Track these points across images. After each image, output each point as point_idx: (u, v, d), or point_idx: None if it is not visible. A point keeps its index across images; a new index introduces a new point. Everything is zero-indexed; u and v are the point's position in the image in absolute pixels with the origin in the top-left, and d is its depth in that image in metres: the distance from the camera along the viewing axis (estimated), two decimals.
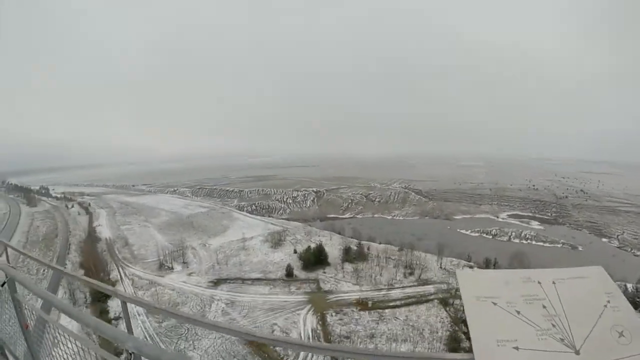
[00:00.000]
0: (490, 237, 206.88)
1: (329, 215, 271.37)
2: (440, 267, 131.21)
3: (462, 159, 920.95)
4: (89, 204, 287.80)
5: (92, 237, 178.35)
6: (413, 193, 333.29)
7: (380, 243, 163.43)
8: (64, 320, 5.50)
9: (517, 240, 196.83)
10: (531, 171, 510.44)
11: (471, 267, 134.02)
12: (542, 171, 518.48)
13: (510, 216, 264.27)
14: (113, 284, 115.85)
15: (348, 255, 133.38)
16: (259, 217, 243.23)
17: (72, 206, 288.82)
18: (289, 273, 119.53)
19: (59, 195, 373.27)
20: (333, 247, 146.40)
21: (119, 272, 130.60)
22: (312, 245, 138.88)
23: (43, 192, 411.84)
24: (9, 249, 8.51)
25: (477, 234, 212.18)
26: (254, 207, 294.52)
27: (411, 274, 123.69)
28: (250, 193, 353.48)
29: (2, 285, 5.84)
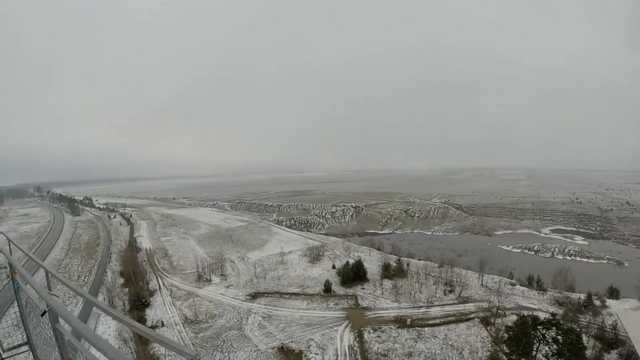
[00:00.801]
0: (533, 253, 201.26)
1: (367, 231, 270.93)
2: (482, 285, 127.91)
3: (504, 172, 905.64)
4: (131, 215, 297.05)
5: (132, 246, 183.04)
6: (453, 208, 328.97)
7: (419, 259, 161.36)
8: None
9: (560, 257, 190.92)
10: (575, 183, 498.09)
11: (513, 284, 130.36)
12: (587, 183, 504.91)
13: (553, 231, 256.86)
14: (151, 293, 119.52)
15: (387, 272, 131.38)
16: (297, 231, 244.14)
17: (114, 217, 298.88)
18: (327, 288, 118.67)
19: (101, 206, 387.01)
20: (372, 263, 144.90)
21: (158, 282, 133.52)
22: (351, 261, 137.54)
23: (87, 202, 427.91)
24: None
25: (518, 250, 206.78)
26: (292, 221, 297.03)
27: (451, 291, 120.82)
28: (289, 208, 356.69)
29: (42, 315, 5.73)
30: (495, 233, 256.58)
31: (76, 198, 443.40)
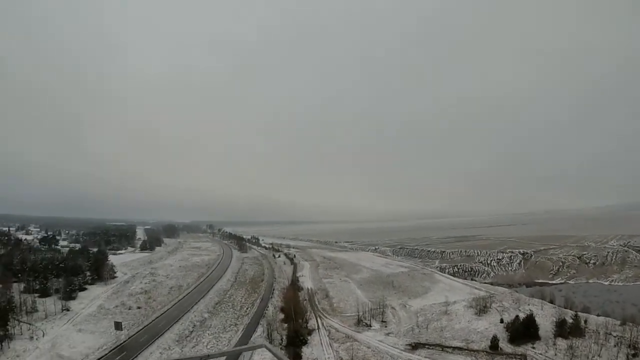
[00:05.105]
0: None
1: (536, 280, 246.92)
2: None
3: None
4: (294, 256, 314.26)
5: (294, 285, 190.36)
6: (634, 252, 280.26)
7: (598, 315, 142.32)
8: None
9: None
10: None
11: None
12: None
13: None
14: (310, 332, 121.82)
15: (561, 329, 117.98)
16: (461, 280, 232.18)
17: (279, 256, 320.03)
18: (494, 345, 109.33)
19: (267, 246, 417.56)
20: (544, 317, 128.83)
21: (317, 321, 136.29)
22: (521, 315, 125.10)
23: (253, 241, 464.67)
24: None
25: None
26: (455, 269, 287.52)
27: (635, 355, 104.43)
28: (452, 254, 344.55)
29: None
30: None
31: (244, 237, 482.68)
